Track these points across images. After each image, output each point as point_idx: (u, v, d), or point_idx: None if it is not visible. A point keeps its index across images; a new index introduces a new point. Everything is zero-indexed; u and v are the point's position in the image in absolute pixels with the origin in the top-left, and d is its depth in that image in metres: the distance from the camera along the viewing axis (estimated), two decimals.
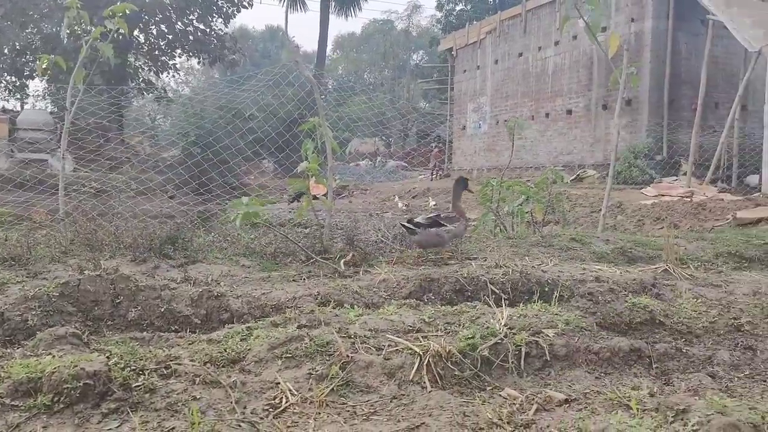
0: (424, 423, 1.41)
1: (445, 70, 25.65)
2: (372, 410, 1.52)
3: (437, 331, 2.00)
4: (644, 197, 11.64)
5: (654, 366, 1.92)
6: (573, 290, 2.81)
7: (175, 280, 2.85)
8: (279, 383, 1.61)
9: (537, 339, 1.91)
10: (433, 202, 17.56)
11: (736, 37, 12.56)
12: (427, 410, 1.50)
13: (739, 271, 3.79)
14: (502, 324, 1.98)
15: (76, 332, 1.87)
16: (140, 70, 30.34)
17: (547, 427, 1.35)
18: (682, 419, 1.22)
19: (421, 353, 1.78)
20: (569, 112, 16.45)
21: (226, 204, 21.83)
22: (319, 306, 2.54)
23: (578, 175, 15.33)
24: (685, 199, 10.86)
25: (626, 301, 2.20)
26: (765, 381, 1.83)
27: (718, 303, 2.38)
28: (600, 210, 10.52)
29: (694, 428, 1.16)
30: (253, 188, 24.42)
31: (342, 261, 3.24)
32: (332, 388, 1.60)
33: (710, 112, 14.62)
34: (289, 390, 1.58)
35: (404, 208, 17.49)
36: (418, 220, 3.57)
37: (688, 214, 8.80)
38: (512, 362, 1.83)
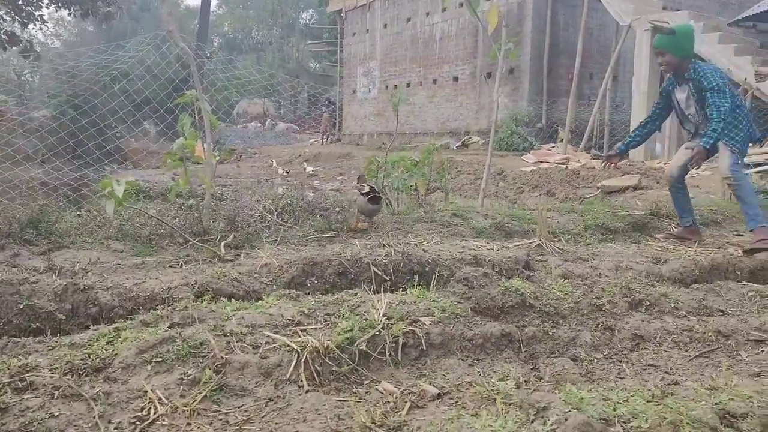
0: (297, 431, 1.40)
1: (335, 32, 25.30)
2: (246, 417, 1.49)
3: (317, 323, 1.99)
4: (524, 164, 12.16)
5: (523, 350, 2.02)
6: (453, 269, 2.89)
7: (38, 270, 2.66)
8: (147, 392, 1.54)
9: (414, 329, 1.95)
10: (310, 168, 17.41)
11: (608, 10, 13.22)
12: (302, 414, 1.49)
13: (605, 243, 4.05)
14: (381, 314, 1.99)
15: None
16: (2, 21, 27.77)
17: (418, 429, 1.38)
18: (542, 417, 1.28)
19: (299, 350, 1.77)
20: (456, 79, 16.77)
21: (105, 171, 20.59)
22: (196, 296, 2.46)
23: (464, 141, 15.75)
24: (560, 166, 11.45)
25: (499, 285, 2.28)
26: (620, 361, 1.97)
27: (582, 283, 2.52)
28: (482, 177, 10.88)
29: (552, 428, 1.22)
30: (135, 152, 23.25)
31: (223, 243, 3.14)
32: (205, 394, 1.56)
33: (585, 82, 15.39)
34: (159, 399, 1.52)
35: (284, 174, 17.27)
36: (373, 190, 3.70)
37: (563, 181, 9.29)
38: (390, 354, 1.86)
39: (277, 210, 4.43)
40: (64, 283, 2.33)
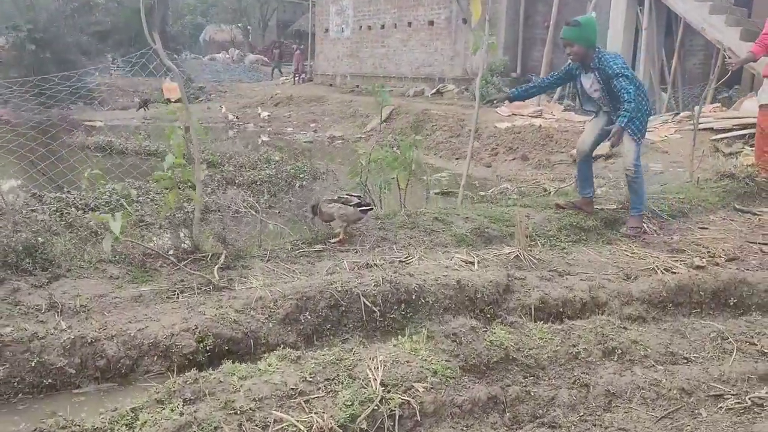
0: None
1: None
2: None
3: (319, 391, 2.15)
4: (499, 117, 12.21)
5: (507, 412, 2.21)
6: (438, 296, 3.07)
7: (40, 309, 2.75)
8: None
9: (409, 399, 2.12)
10: (266, 113, 17.16)
11: None
12: None
13: (579, 245, 4.25)
14: (378, 383, 2.16)
15: None
16: None
17: None
18: None
19: (305, 431, 1.93)
20: (431, 23, 16.49)
21: (70, 110, 19.96)
22: (197, 342, 2.60)
23: (438, 89, 15.67)
24: (534, 121, 11.55)
25: (485, 340, 2.45)
26: (594, 425, 2.18)
27: (560, 329, 2.70)
28: (458, 135, 10.98)
29: None
30: (100, 86, 22.57)
31: (216, 268, 3.24)
32: None
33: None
34: None
35: (267, 117, 17.06)
36: (356, 201, 3.85)
37: (537, 144, 9.43)
38: (388, 427, 2.04)
39: (262, 200, 4.51)
40: (72, 338, 2.43)
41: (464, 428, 2.11)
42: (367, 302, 2.98)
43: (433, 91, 15.72)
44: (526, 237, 4.02)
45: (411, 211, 4.42)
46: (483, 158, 9.65)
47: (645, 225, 4.71)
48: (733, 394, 2.36)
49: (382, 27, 18.14)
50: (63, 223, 4.94)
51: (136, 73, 26.82)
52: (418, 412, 2.10)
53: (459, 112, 12.63)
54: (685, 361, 2.60)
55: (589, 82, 4.51)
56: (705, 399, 2.33)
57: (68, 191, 5.87)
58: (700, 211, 5.30)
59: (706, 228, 4.89)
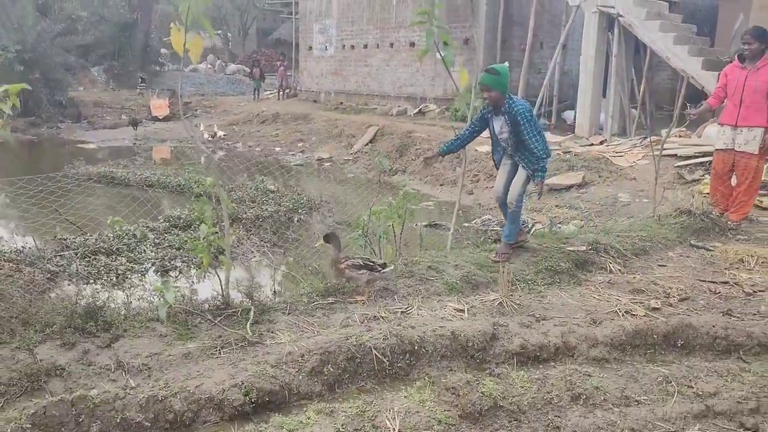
0: None
1: None
2: None
3: None
4: (480, 138, 12.86)
5: None
6: (436, 346, 3.69)
7: (110, 369, 3.32)
8: None
9: None
10: (221, 132, 17.61)
11: None
12: None
13: (554, 287, 4.90)
14: (397, 429, 2.77)
15: None
16: None
17: None
18: None
19: None
20: (412, 44, 17.15)
21: (60, 127, 20.31)
22: (244, 395, 3.20)
23: (421, 109, 16.33)
24: None
25: (478, 391, 3.08)
26: None
27: (537, 378, 3.34)
28: (441, 161, 11.56)
29: None
30: (87, 104, 22.85)
31: (248, 325, 3.83)
32: None
33: (535, 52, 16.04)
34: None
35: (222, 135, 17.46)
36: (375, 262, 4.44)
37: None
38: None
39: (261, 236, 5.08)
40: (147, 396, 3.01)
41: None
42: (378, 354, 3.59)
43: (416, 110, 16.38)
44: (508, 282, 4.66)
45: (407, 260, 5.03)
46: (465, 185, 10.27)
47: (611, 265, 5.39)
48: (672, 431, 3.01)
49: (365, 47, 18.76)
50: (92, 269, 5.51)
51: (120, 86, 27.02)
52: None
53: (441, 133, 13.26)
54: (636, 403, 3.25)
55: (499, 124, 5.13)
56: None
57: (89, 234, 6.39)
58: (659, 248, 5.99)
59: (665, 266, 5.57)
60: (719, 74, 6.67)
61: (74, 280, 4.98)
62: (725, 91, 6.37)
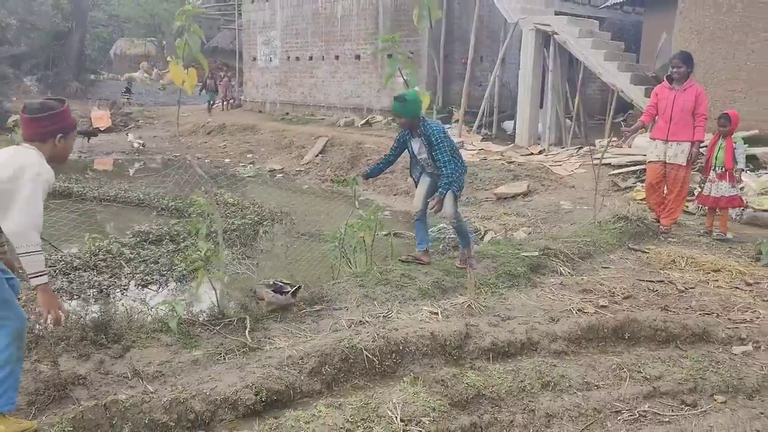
0: None
1: None
2: None
3: (358, 428, 3.16)
4: None
5: None
6: (419, 346, 4.13)
7: (127, 377, 3.62)
8: None
9: (421, 429, 3.17)
10: (138, 142, 17.61)
11: (498, 7, 14.53)
12: None
13: (513, 290, 5.43)
14: (398, 419, 3.19)
15: None
16: None
17: None
18: None
19: None
20: (358, 57, 17.63)
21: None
22: (255, 394, 3.55)
23: (368, 120, 16.81)
24: None
25: (463, 382, 3.54)
26: None
27: (512, 369, 3.83)
28: (393, 171, 12.05)
29: None
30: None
31: (247, 332, 4.18)
32: None
33: (476, 65, 16.79)
34: None
35: (139, 146, 17.37)
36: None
37: (465, 183, 10.66)
38: None
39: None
40: (170, 399, 3.33)
41: None
42: (368, 355, 4.00)
43: (363, 121, 16.85)
44: (475, 286, 5.16)
45: (382, 268, 5.46)
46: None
47: (561, 268, 5.98)
48: (627, 410, 3.56)
49: (310, 58, 19.12)
50: (73, 285, 5.70)
51: (56, 96, 26.57)
52: None
53: (390, 144, 13.74)
54: (596, 387, 3.78)
55: (417, 146, 5.46)
56: (609, 414, 3.51)
57: (63, 251, 6.54)
58: (602, 251, 6.63)
59: (608, 267, 6.20)
60: (652, 92, 7.38)
61: (63, 296, 5.17)
62: (656, 109, 7.09)
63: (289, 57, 19.94)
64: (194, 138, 18.54)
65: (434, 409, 3.32)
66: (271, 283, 4.75)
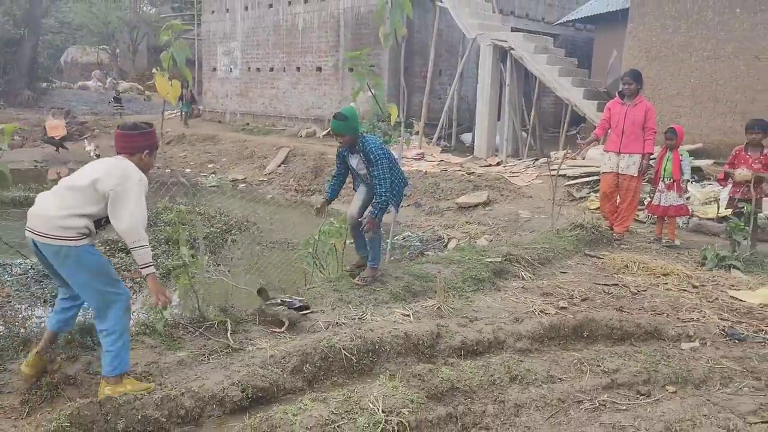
0: None
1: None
2: None
3: (343, 419, 3.36)
4: None
5: (458, 423, 3.55)
6: (393, 345, 4.36)
7: None
8: None
9: (401, 419, 3.40)
10: (92, 147, 17.47)
11: (456, 22, 14.97)
12: None
13: (479, 293, 5.71)
14: (380, 410, 3.41)
15: None
16: None
17: None
18: None
19: None
20: (319, 69, 17.85)
21: None
22: (242, 392, 3.72)
23: (329, 131, 17.01)
24: (418, 164, 13.20)
25: (438, 376, 3.79)
26: (511, 425, 3.57)
27: (482, 364, 4.10)
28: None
29: None
30: None
31: (229, 334, 4.34)
32: None
33: (435, 78, 17.19)
34: None
35: (95, 156, 17.27)
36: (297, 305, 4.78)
37: (427, 192, 11.01)
38: None
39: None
40: (162, 396, 3.48)
41: None
42: (346, 354, 4.22)
43: (324, 132, 17.05)
44: (444, 289, 5.43)
45: (354, 273, 5.68)
46: None
47: (522, 273, 6.30)
48: (588, 400, 3.85)
49: (271, 70, 19.25)
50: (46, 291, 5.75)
51: (8, 104, 25.76)
52: (407, 427, 3.38)
53: None
54: (560, 380, 4.08)
55: (356, 161, 5.42)
56: (572, 404, 3.81)
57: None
58: (560, 257, 7.00)
59: (566, 272, 6.56)
60: (605, 108, 7.82)
61: (40, 302, 5.23)
62: (609, 123, 7.53)
63: (249, 68, 20.03)
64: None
65: (413, 401, 3.55)
66: (279, 301, 4.81)
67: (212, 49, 21.43)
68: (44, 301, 5.53)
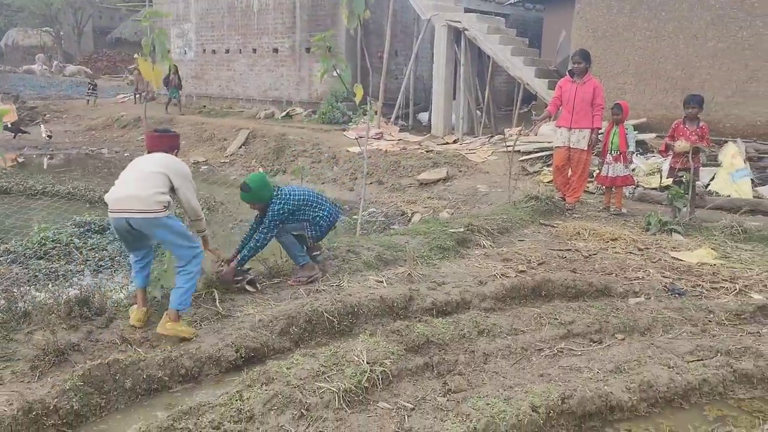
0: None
1: None
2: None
3: (332, 371, 3.73)
4: (348, 140, 14.03)
5: (435, 370, 3.97)
6: (371, 308, 4.74)
7: (117, 344, 4.03)
8: (277, 425, 3.22)
9: (384, 369, 3.79)
10: (46, 133, 17.42)
11: (410, 2, 15.27)
12: (347, 417, 3.28)
13: (445, 261, 6.13)
14: (365, 361, 3.80)
15: None
16: None
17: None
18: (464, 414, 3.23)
19: (337, 391, 3.52)
20: (276, 50, 17.93)
21: None
22: (236, 351, 4.05)
23: (288, 112, 17.18)
24: (378, 144, 13.54)
25: (414, 331, 4.19)
26: (481, 372, 4.00)
27: (452, 321, 4.52)
28: (319, 161, 12.60)
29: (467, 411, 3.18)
30: None
31: (218, 303, 4.65)
32: (302, 412, 3.27)
33: (391, 59, 17.48)
34: (279, 426, 3.21)
35: (47, 137, 17.01)
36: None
37: (388, 170, 11.37)
38: (377, 385, 3.69)
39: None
40: (163, 357, 3.79)
41: (414, 381, 3.83)
42: (329, 316, 4.58)
43: (283, 114, 17.21)
44: (414, 259, 5.83)
45: (329, 245, 6.03)
46: (345, 183, 11.40)
47: (483, 242, 6.75)
48: (548, 348, 4.32)
49: (227, 51, 19.22)
50: (31, 272, 5.94)
51: None
52: (390, 375, 3.77)
53: (313, 136, 14.27)
54: (522, 332, 4.54)
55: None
56: (534, 351, 4.27)
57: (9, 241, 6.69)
58: (517, 227, 7.48)
59: (523, 240, 7.04)
60: (556, 86, 8.30)
61: (25, 281, 5.42)
62: (561, 100, 8.01)
63: (204, 50, 19.94)
64: (109, 132, 18.27)
65: (393, 353, 3.94)
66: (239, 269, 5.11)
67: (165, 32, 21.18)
68: (27, 282, 5.71)
